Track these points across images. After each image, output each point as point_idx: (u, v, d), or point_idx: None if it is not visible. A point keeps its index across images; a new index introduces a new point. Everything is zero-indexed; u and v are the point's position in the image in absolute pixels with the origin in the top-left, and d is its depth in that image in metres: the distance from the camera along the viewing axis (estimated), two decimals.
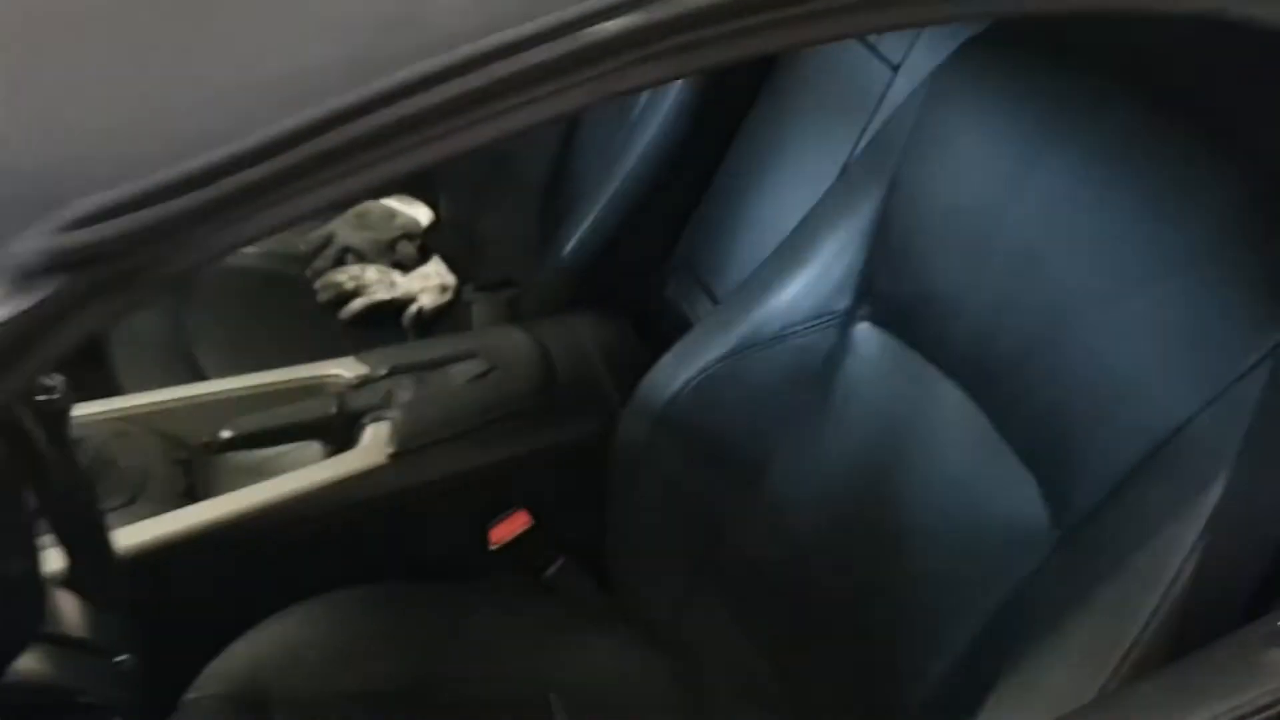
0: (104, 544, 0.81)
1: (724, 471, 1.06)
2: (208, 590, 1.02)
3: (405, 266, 1.58)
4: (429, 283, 1.53)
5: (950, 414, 0.91)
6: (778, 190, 1.17)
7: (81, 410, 1.07)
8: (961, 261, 0.90)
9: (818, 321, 1.01)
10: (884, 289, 0.97)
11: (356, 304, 1.49)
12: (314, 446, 1.13)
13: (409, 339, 1.48)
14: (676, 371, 1.06)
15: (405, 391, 1.15)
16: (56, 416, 0.96)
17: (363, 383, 1.16)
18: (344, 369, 1.17)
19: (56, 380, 0.95)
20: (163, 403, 1.12)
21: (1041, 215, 0.85)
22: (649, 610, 1.12)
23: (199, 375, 1.32)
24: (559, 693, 1.08)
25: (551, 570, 1.18)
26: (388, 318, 1.50)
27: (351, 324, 1.49)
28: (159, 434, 1.11)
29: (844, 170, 1.00)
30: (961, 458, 0.91)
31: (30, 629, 0.69)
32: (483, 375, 1.17)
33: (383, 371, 1.16)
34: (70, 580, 0.78)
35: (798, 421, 1.02)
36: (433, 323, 1.50)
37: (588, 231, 1.28)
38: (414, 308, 1.50)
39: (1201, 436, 0.72)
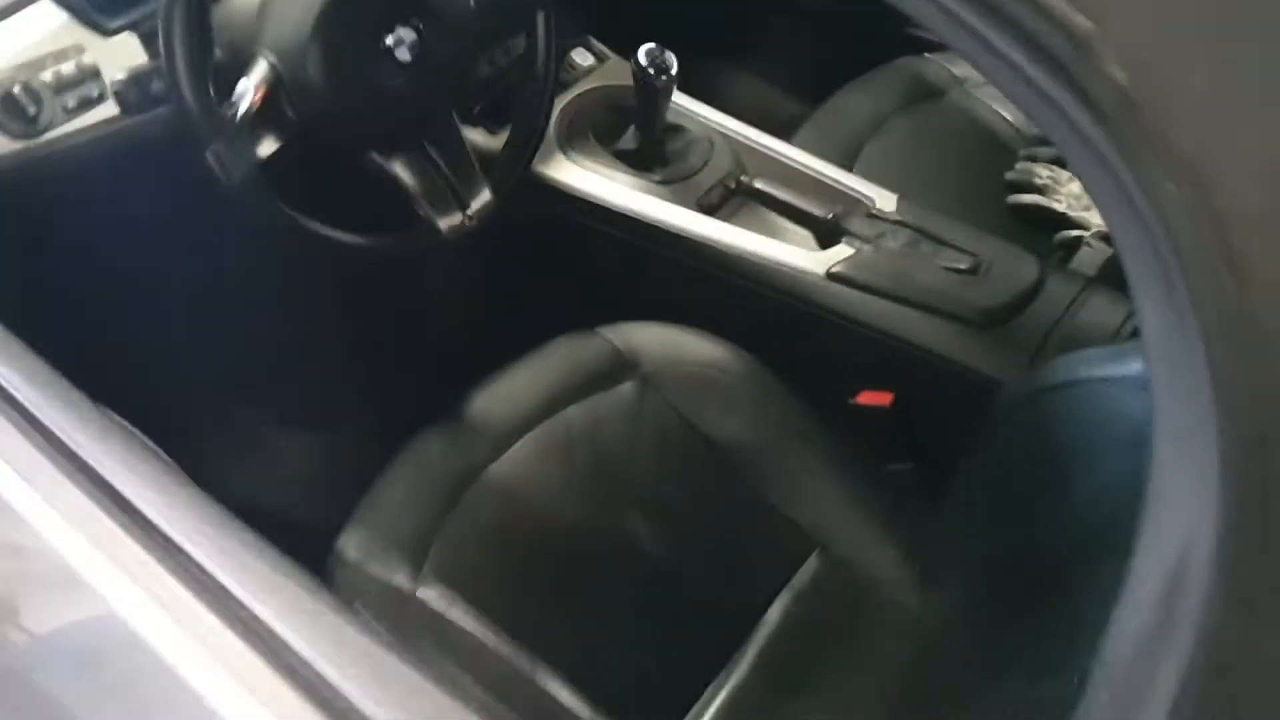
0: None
1: (1053, 482, 0.96)
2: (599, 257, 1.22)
3: None
4: None
5: None
6: None
7: (693, 104, 1.35)
8: None
9: None
10: None
11: (1026, 197, 1.48)
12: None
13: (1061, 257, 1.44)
14: (1086, 365, 0.96)
15: (894, 241, 1.19)
16: (658, 90, 1.23)
17: (880, 216, 1.22)
18: (882, 198, 1.25)
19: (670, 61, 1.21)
20: (751, 139, 1.33)
21: None
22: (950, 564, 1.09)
23: (851, 155, 1.47)
24: (823, 557, 1.13)
25: (896, 467, 1.18)
26: (1048, 225, 1.47)
27: (1012, 212, 1.49)
28: (734, 155, 1.32)
29: None
30: None
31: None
32: (962, 271, 1.16)
33: (898, 218, 1.22)
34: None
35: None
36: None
37: None
38: (1074, 233, 1.44)
39: None
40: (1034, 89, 0.35)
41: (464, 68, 0.99)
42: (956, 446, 1.08)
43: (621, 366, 1.17)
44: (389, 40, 0.92)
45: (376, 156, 0.98)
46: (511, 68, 1.17)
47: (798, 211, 1.24)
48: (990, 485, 1.05)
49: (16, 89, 0.92)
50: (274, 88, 0.90)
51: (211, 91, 0.87)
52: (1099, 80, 0.33)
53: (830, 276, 1.17)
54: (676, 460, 1.14)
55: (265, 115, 0.90)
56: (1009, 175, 1.53)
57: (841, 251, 1.19)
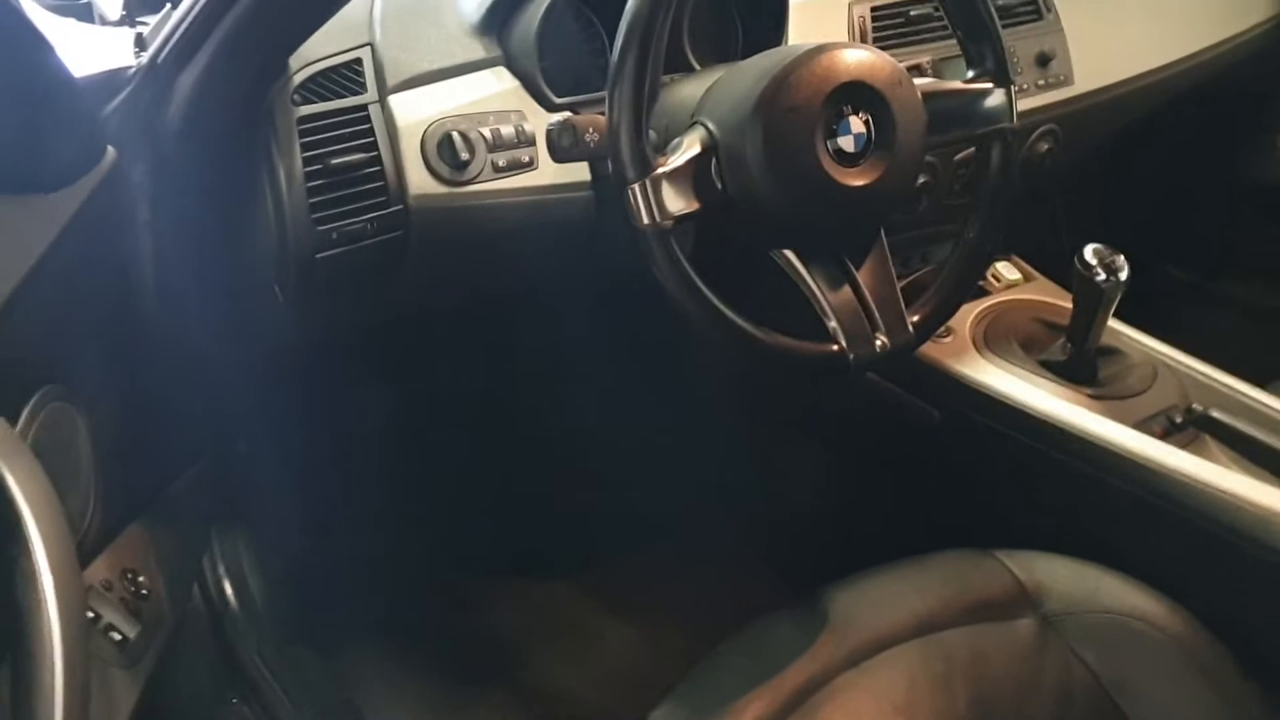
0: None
1: None
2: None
3: None
4: None
5: None
6: None
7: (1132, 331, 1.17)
8: None
9: None
10: None
11: None
12: None
13: None
14: None
15: None
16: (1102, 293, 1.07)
17: None
18: None
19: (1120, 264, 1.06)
20: (1205, 373, 1.13)
21: None
22: None
23: None
24: None
25: None
26: None
27: None
28: (1183, 388, 1.12)
29: None
30: None
31: None
32: None
33: None
34: None
35: None
36: None
37: None
38: None
39: None
40: None
41: (907, 182, 0.87)
42: None
43: (1020, 600, 0.95)
44: (835, 126, 0.83)
45: (792, 255, 0.87)
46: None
47: (1267, 451, 1.00)
48: None
49: (455, 134, 0.91)
50: (708, 151, 0.83)
51: (647, 147, 0.81)
52: None
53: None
54: None
55: (692, 175, 0.82)
56: None
57: None
